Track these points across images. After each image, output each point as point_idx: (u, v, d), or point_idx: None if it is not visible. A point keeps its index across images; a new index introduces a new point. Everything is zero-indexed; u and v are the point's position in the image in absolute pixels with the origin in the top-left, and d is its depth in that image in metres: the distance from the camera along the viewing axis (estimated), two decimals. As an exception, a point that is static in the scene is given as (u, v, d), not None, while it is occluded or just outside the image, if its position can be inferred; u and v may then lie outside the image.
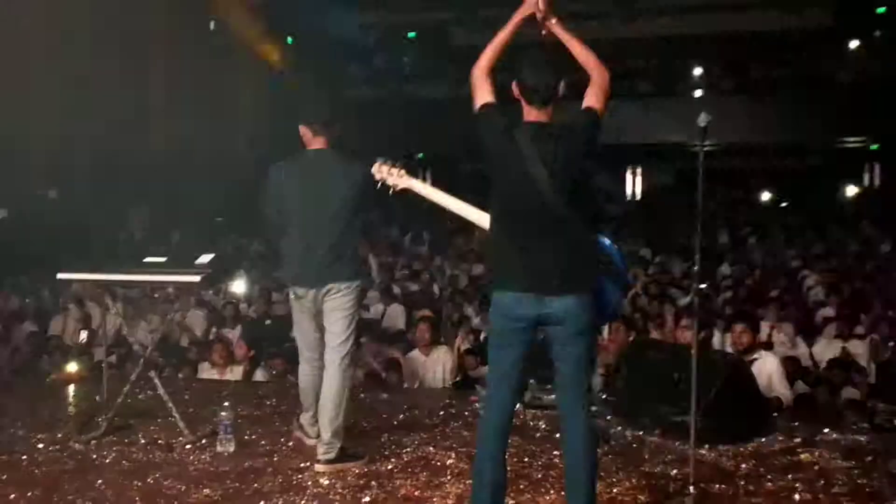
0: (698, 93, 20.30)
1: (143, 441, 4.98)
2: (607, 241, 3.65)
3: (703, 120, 3.78)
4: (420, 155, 21.59)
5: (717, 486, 4.22)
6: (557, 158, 3.28)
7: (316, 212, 4.41)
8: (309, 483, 4.28)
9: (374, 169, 4.39)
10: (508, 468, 4.27)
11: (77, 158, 14.80)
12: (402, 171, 4.39)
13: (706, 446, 4.71)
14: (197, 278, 4.82)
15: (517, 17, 3.49)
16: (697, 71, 20.70)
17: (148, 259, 5.05)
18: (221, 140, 17.32)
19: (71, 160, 14.72)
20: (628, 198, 23.80)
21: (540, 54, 3.41)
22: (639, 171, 24.48)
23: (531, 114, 3.39)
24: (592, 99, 3.37)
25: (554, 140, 3.31)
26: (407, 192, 4.48)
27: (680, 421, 4.69)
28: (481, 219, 4.15)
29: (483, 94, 3.45)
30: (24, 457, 4.75)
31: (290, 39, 20.74)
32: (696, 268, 4.55)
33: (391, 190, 4.43)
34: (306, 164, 4.51)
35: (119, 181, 14.40)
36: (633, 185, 24.60)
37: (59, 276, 5.08)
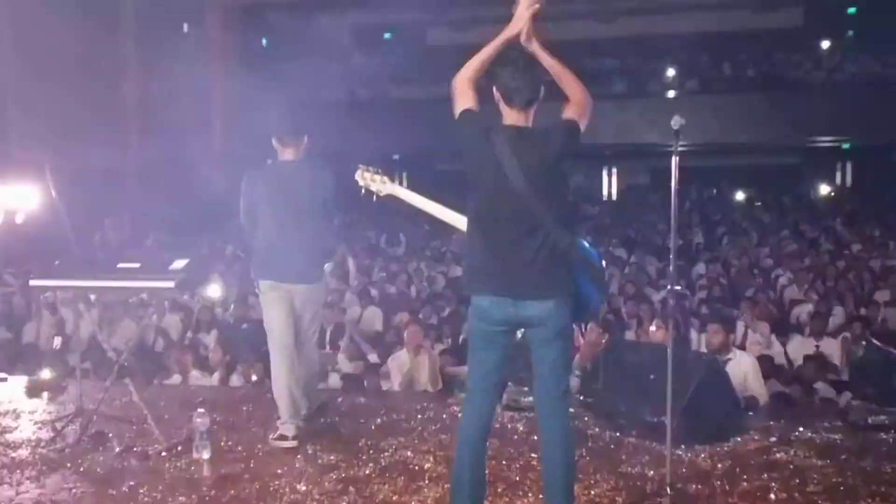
0: (672, 93, 20.42)
1: (118, 448, 4.92)
2: (585, 244, 3.66)
3: (676, 122, 3.79)
4: (395, 156, 21.57)
5: (694, 486, 4.25)
6: (535, 161, 3.27)
7: (286, 215, 4.78)
8: (286, 489, 4.25)
9: (357, 176, 4.44)
10: (486, 471, 4.30)
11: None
12: (385, 177, 4.44)
13: (683, 446, 4.73)
14: (171, 283, 4.78)
15: (502, 38, 3.43)
16: (671, 71, 20.82)
17: (122, 265, 5.00)
18: (195, 143, 17.20)
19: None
20: (604, 198, 23.90)
21: (520, 55, 3.39)
22: (614, 170, 24.62)
23: (510, 116, 3.38)
24: (573, 113, 3.36)
25: (532, 143, 3.31)
26: (389, 197, 4.53)
27: (656, 421, 4.71)
28: (461, 222, 4.15)
29: (464, 100, 3.41)
30: (-2, 467, 4.69)
31: (264, 41, 20.69)
32: (671, 268, 4.62)
33: (374, 196, 4.46)
34: (277, 172, 4.93)
35: (94, 185, 14.26)
36: (609, 184, 24.73)
37: (32, 282, 5.02)
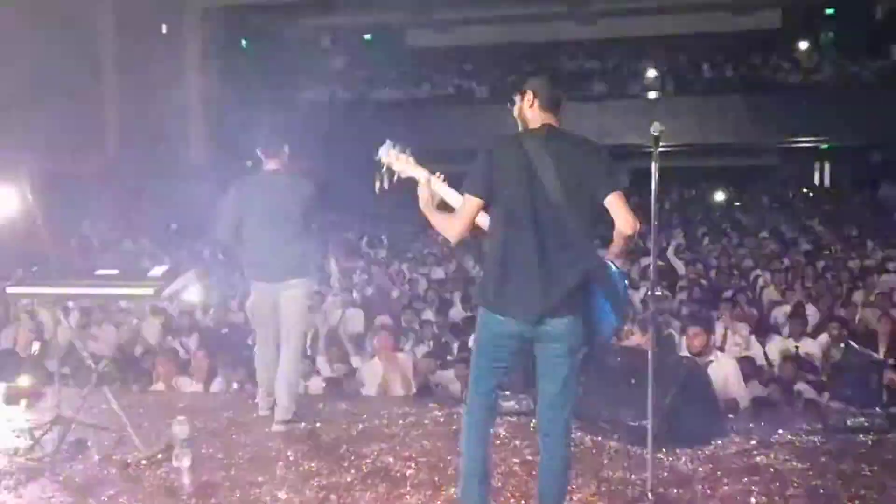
0: (652, 94, 20.52)
1: (97, 457, 4.88)
2: (614, 267, 3.50)
3: (655, 129, 3.81)
4: (376, 157, 21.51)
5: (675, 490, 4.27)
6: (573, 164, 3.27)
7: (270, 220, 5.19)
8: (267, 498, 4.23)
9: (382, 151, 3.95)
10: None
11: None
12: (411, 158, 4.01)
13: (664, 450, 4.76)
14: (150, 291, 4.74)
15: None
16: (651, 72, 20.92)
17: (100, 271, 4.95)
18: (174, 146, 17.11)
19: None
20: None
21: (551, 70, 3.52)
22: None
23: (544, 117, 3.39)
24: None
25: (570, 144, 3.33)
26: (408, 181, 3.93)
27: (638, 425, 4.73)
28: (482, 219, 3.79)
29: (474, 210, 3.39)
30: (-25, 476, 4.64)
31: (244, 42, 20.60)
32: (651, 274, 4.64)
33: (394, 176, 3.92)
34: (261, 181, 5.34)
35: (73, 188, 14.15)
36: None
37: (9, 290, 4.96)
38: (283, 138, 5.35)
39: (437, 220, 3.48)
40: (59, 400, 5.50)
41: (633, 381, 5.00)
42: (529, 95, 3.40)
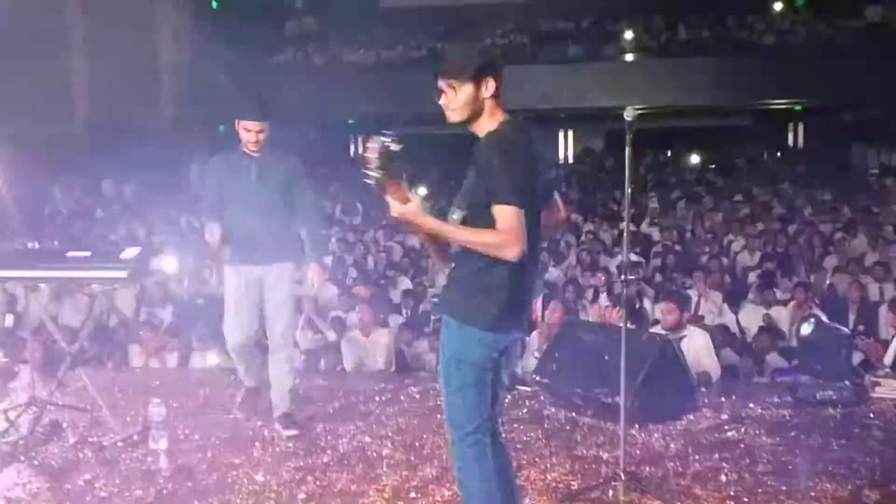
0: (628, 56, 20.44)
1: (73, 439, 4.87)
2: None
3: (629, 114, 3.80)
4: (350, 121, 21.40)
5: (648, 468, 4.34)
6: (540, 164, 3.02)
7: (251, 199, 4.82)
8: (244, 480, 4.25)
9: (375, 143, 2.80)
10: (444, 456, 4.36)
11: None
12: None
13: (637, 426, 4.83)
14: (123, 274, 4.70)
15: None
16: (627, 34, 20.81)
17: (71, 253, 4.91)
18: (143, 109, 16.86)
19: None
20: (559, 162, 23.97)
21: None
22: (570, 134, 24.67)
23: (501, 111, 2.97)
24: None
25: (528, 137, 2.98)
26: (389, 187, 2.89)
27: (611, 402, 4.79)
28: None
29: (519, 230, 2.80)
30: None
31: (214, 3, 20.26)
32: (625, 250, 4.68)
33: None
34: (241, 158, 4.90)
35: (40, 155, 13.93)
36: (565, 149, 24.79)
37: (-22, 273, 4.92)
38: (264, 109, 4.88)
39: (479, 238, 2.83)
40: (33, 379, 5.49)
41: (606, 357, 5.05)
42: (490, 83, 2.91)
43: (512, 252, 2.76)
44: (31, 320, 8.43)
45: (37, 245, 8.53)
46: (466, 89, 2.90)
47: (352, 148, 23.59)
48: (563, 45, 20.40)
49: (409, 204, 2.88)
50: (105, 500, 4.07)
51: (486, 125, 2.94)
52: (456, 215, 2.97)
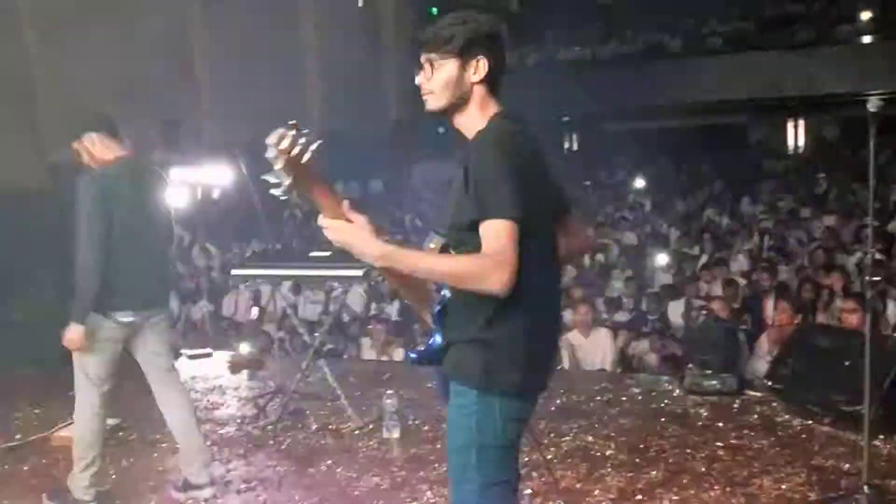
0: (866, 38, 18.95)
1: (314, 426, 5.25)
2: None
3: (873, 104, 3.57)
4: (566, 118, 21.31)
5: (894, 482, 4.05)
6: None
7: (145, 229, 3.94)
8: (472, 473, 4.39)
9: (274, 139, 2.03)
10: (670, 460, 4.29)
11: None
12: (314, 159, 2.08)
13: (881, 437, 4.52)
14: (359, 272, 5.02)
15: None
16: (865, 14, 19.29)
17: (314, 253, 5.31)
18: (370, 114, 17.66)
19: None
20: (789, 152, 22.65)
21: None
22: (801, 123, 23.24)
23: (493, 103, 2.31)
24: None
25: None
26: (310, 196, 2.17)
27: (852, 411, 4.52)
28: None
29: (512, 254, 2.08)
30: (208, 442, 5.10)
31: (434, 9, 20.89)
32: (869, 248, 4.38)
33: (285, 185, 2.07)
34: (128, 174, 3.94)
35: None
36: (795, 138, 23.38)
37: (233, 272, 5.43)
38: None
39: (451, 266, 2.13)
40: (279, 369, 5.97)
41: (846, 363, 4.77)
42: (482, 63, 2.25)
43: (497, 281, 2.02)
44: (274, 315, 9.14)
45: (279, 246, 9.30)
46: (448, 67, 2.24)
47: (565, 145, 23.58)
48: (793, 30, 19.26)
49: (351, 224, 2.14)
50: (345, 486, 4.36)
51: (474, 120, 2.25)
52: (433, 243, 2.31)
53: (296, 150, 2.02)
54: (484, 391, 2.16)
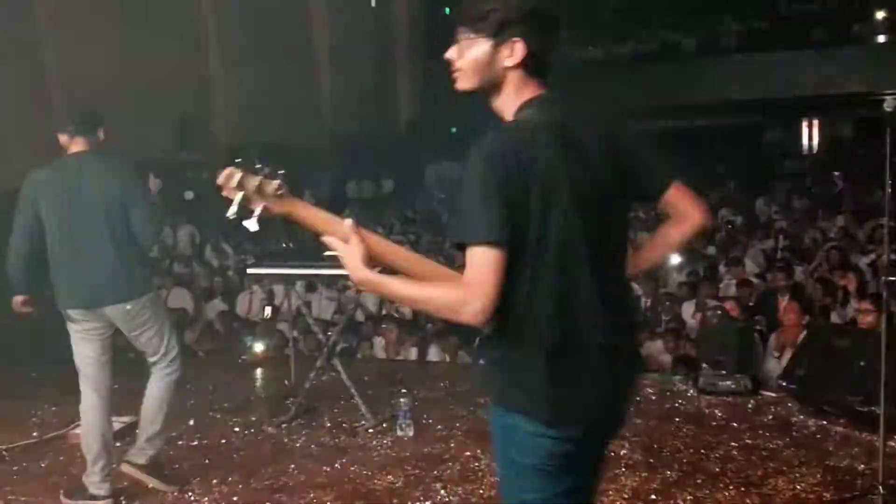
0: (881, 38, 18.84)
1: (328, 425, 5.27)
2: None
3: (889, 105, 3.56)
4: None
5: (910, 484, 4.03)
6: (602, 157, 2.05)
7: (81, 223, 3.93)
8: (485, 471, 4.39)
9: (222, 179, 2.05)
10: (684, 460, 4.29)
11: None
12: (280, 187, 2.06)
13: (896, 438, 4.50)
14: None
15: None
16: (881, 14, 19.19)
17: (328, 252, 5.31)
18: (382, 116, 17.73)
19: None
20: (804, 152, 22.56)
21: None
22: (816, 123, 23.13)
23: (532, 88, 2.06)
24: None
25: (590, 129, 2.10)
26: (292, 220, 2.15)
27: (867, 411, 4.50)
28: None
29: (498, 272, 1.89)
30: (223, 440, 5.15)
31: (447, 10, 20.92)
32: (886, 248, 4.37)
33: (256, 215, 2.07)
34: (65, 170, 4.00)
35: (293, 160, 15.10)
36: (810, 138, 23.27)
37: (249, 271, 5.45)
38: (94, 112, 4.08)
39: (426, 295, 1.98)
40: (293, 368, 5.99)
41: (861, 363, 4.75)
42: (518, 46, 2.01)
43: (469, 313, 1.86)
44: (287, 314, 9.15)
45: (291, 245, 9.33)
46: (479, 47, 2.02)
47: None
48: (806, 29, 19.18)
49: (345, 245, 2.03)
50: (359, 484, 4.37)
51: (509, 106, 2.05)
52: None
53: (253, 184, 2.00)
54: (508, 410, 2.03)
